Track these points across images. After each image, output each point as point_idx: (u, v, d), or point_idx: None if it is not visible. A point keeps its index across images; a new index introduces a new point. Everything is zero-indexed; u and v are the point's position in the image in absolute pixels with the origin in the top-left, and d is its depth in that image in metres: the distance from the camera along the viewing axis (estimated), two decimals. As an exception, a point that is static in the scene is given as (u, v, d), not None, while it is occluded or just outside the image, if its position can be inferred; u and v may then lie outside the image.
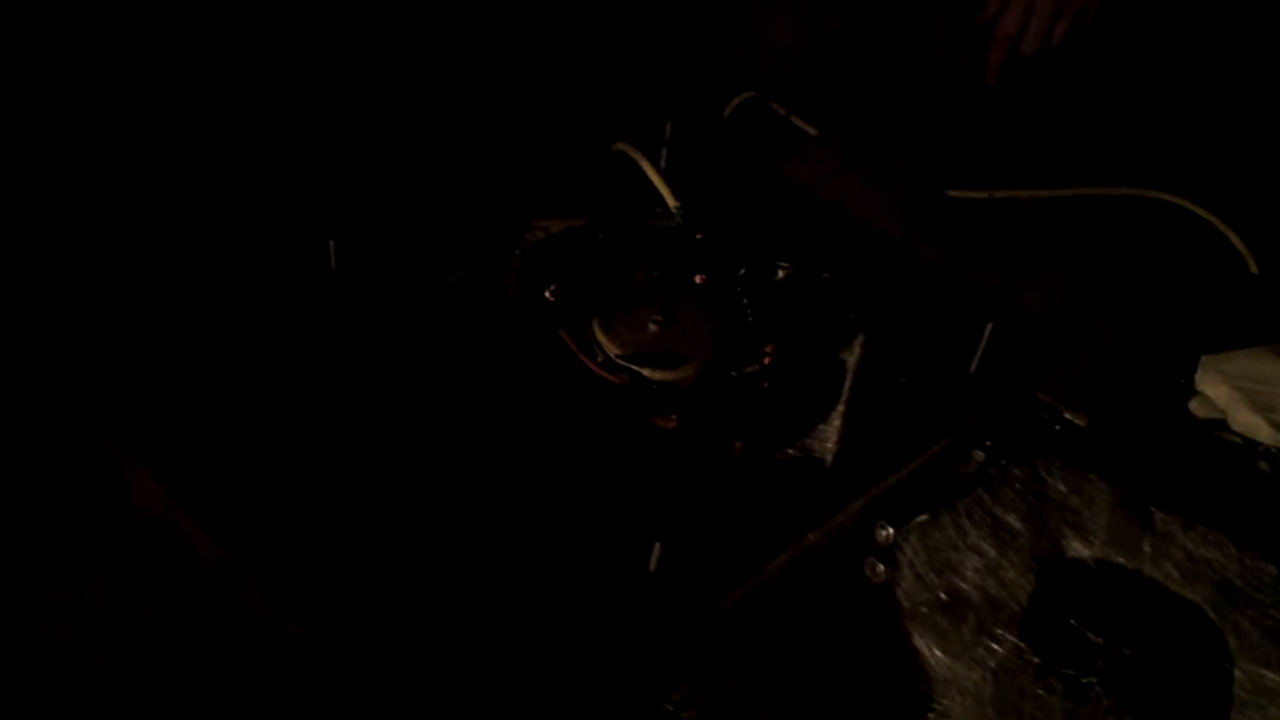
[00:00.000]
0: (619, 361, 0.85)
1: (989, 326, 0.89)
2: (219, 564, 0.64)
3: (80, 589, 0.64)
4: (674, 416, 0.81)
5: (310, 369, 0.82)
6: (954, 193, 1.15)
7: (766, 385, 0.86)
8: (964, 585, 0.79)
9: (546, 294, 0.90)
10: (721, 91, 1.23)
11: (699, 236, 0.97)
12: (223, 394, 0.78)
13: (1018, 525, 0.83)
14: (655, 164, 1.03)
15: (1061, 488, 0.86)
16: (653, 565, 0.70)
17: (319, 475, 0.75)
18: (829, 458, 0.83)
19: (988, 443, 0.88)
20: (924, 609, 0.77)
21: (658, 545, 0.70)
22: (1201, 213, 1.14)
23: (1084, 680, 0.73)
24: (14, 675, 0.59)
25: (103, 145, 0.87)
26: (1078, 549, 0.83)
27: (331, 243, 0.87)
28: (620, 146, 1.01)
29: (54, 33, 0.82)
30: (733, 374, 0.87)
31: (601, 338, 0.86)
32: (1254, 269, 1.11)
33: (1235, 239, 1.12)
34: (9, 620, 0.61)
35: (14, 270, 0.83)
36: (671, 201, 0.98)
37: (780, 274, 0.97)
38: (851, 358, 0.91)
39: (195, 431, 0.75)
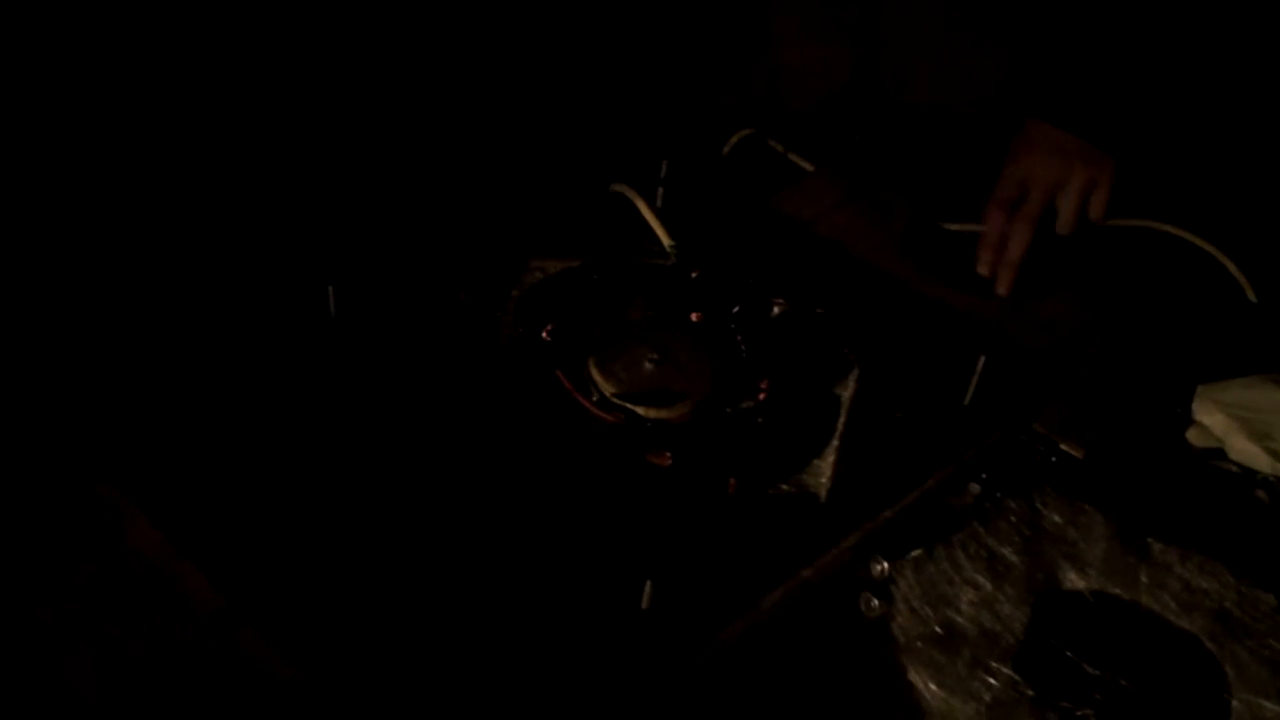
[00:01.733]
0: (614, 400, 0.86)
1: (981, 359, 0.90)
2: (215, 608, 0.65)
3: (78, 631, 0.65)
4: (668, 454, 0.82)
5: (308, 413, 0.83)
6: (951, 226, 1.16)
7: (761, 421, 0.87)
8: (959, 619, 0.79)
9: (543, 334, 0.91)
10: (717, 130, 1.25)
11: (695, 275, 0.98)
12: (221, 439, 0.80)
13: (1013, 558, 0.83)
14: (652, 203, 1.04)
15: (1057, 519, 0.87)
16: (645, 603, 0.71)
17: (316, 519, 0.76)
18: (823, 493, 0.83)
19: (983, 475, 0.88)
20: (919, 643, 0.77)
21: (649, 583, 0.70)
22: (1198, 242, 1.14)
23: (1079, 713, 0.73)
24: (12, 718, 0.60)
25: (107, 188, 0.88)
26: (1073, 580, 0.83)
27: (330, 287, 0.88)
28: (618, 187, 1.03)
29: (33, 73, 0.83)
30: (727, 411, 0.88)
31: (597, 377, 0.87)
32: (1252, 297, 1.11)
33: (1232, 267, 1.13)
34: (7, 663, 0.63)
35: (14, 318, 0.84)
36: (666, 241, 0.99)
37: (776, 310, 0.98)
38: (846, 393, 0.92)
39: (192, 476, 0.76)
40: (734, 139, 1.26)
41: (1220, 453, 0.95)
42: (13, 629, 0.64)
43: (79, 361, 0.84)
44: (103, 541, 0.69)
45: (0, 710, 0.60)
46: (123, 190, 0.90)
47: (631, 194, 1.02)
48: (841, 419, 0.89)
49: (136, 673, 0.63)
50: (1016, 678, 0.75)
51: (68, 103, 0.84)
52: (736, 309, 0.94)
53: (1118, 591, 0.82)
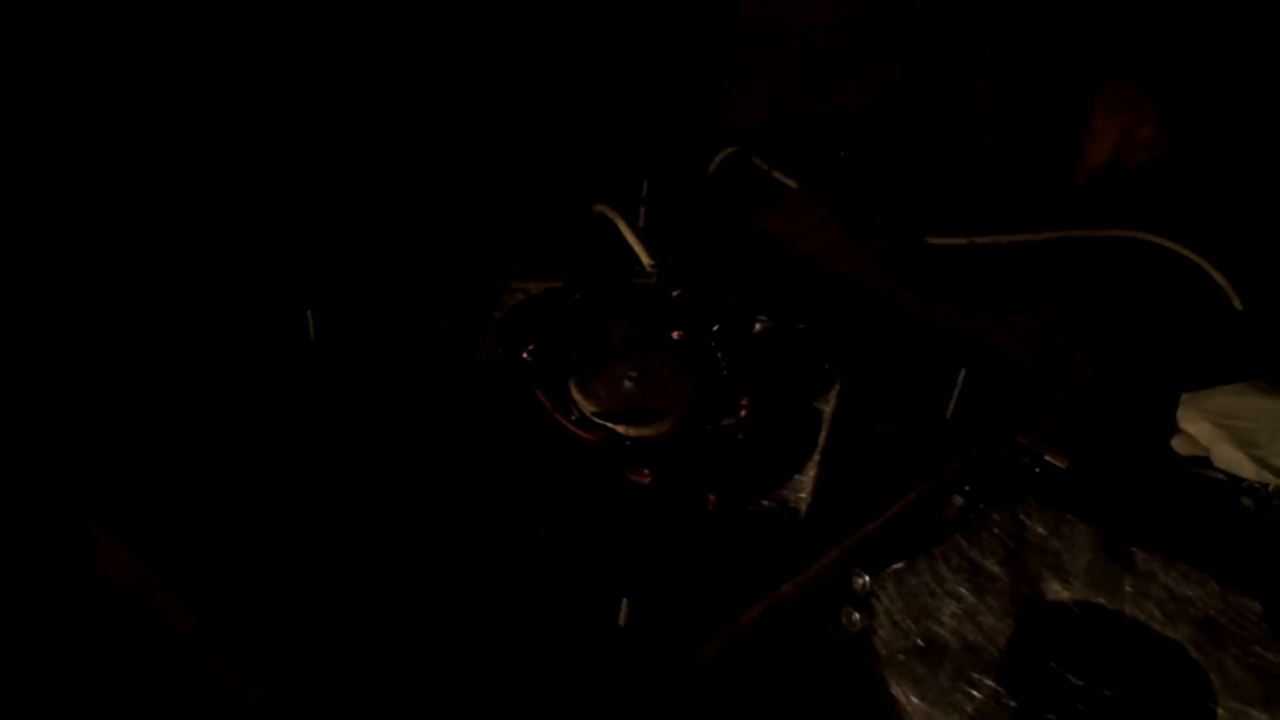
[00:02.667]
0: (594, 419, 0.86)
1: (962, 372, 0.90)
2: (189, 632, 0.66)
3: (53, 658, 0.65)
4: (647, 472, 0.82)
5: (287, 438, 0.83)
6: (934, 240, 1.16)
7: (741, 438, 0.87)
8: (941, 631, 0.79)
9: (524, 354, 0.91)
10: (698, 148, 1.25)
11: (676, 293, 0.99)
12: (197, 466, 0.80)
13: (996, 569, 0.83)
14: (634, 222, 1.05)
15: (1041, 530, 0.86)
16: (622, 620, 0.71)
17: (293, 542, 0.76)
18: (804, 508, 0.83)
19: (966, 488, 0.88)
20: (901, 656, 0.77)
21: (625, 601, 0.70)
22: (1183, 251, 1.14)
23: (1062, 724, 0.73)
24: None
25: (77, 212, 0.89)
26: (1057, 591, 0.83)
27: (310, 312, 0.89)
28: (599, 207, 1.03)
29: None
30: (708, 428, 0.88)
31: (577, 396, 0.88)
32: (1238, 305, 1.11)
33: (1218, 276, 1.13)
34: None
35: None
36: (646, 260, 1.00)
37: (757, 327, 0.98)
38: (828, 408, 0.92)
39: (167, 504, 0.76)
40: (719, 156, 1.26)
41: (1206, 461, 0.94)
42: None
43: (54, 391, 0.84)
44: (77, 569, 0.69)
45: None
46: (100, 216, 0.90)
47: (612, 214, 1.03)
48: (823, 434, 0.89)
49: (109, 699, 0.63)
50: (1000, 689, 0.75)
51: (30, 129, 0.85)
52: (717, 327, 0.94)
53: (1102, 601, 0.82)
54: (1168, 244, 1.15)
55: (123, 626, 0.67)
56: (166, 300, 0.93)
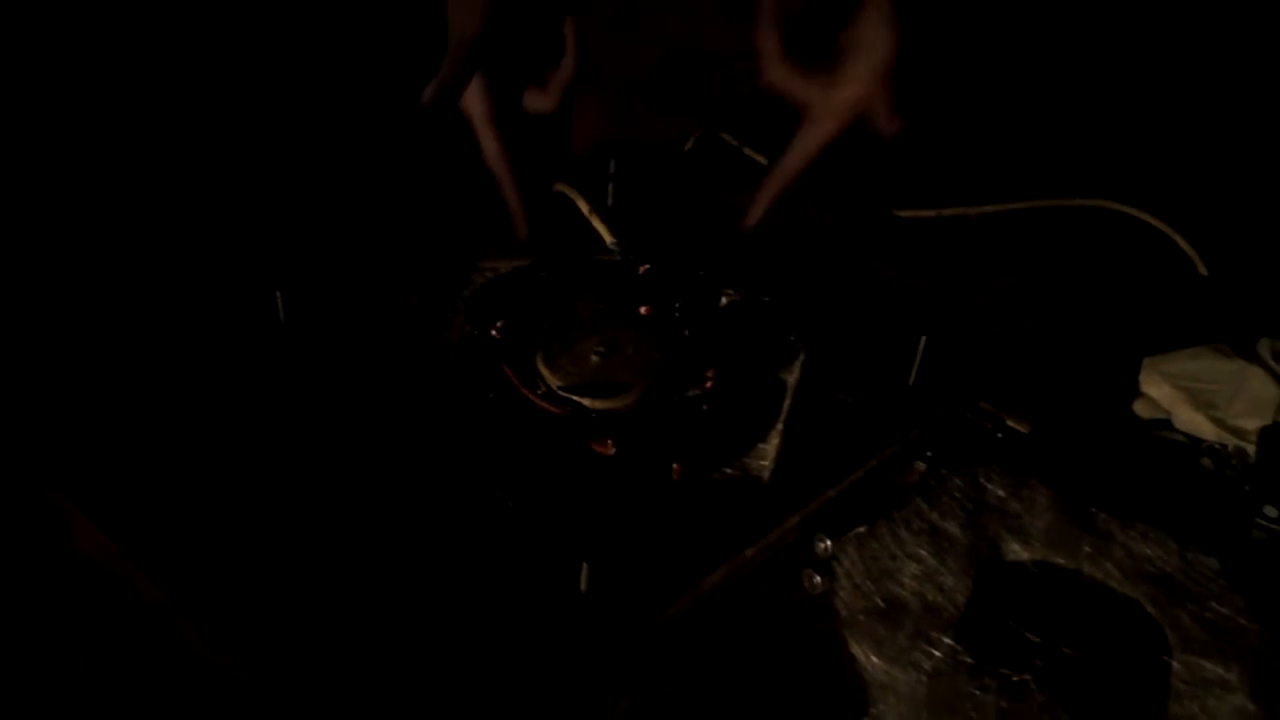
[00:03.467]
0: (560, 393, 0.88)
1: (923, 339, 0.91)
2: (158, 604, 0.67)
3: (26, 631, 0.67)
4: (611, 442, 0.83)
5: (257, 416, 0.85)
6: (903, 213, 1.17)
7: (706, 408, 0.88)
8: (901, 592, 0.80)
9: (493, 332, 0.93)
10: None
11: (643, 269, 1.00)
12: (168, 445, 0.82)
13: (956, 531, 0.85)
14: (602, 201, 1.06)
15: (1001, 493, 0.88)
16: (583, 586, 0.73)
17: (259, 517, 0.77)
18: (767, 475, 0.85)
19: (929, 453, 0.90)
20: (861, 617, 0.79)
21: (585, 566, 0.72)
22: (1148, 219, 1.16)
23: (1017, 678, 0.74)
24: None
25: (50, 193, 0.90)
26: (1016, 551, 0.84)
27: (279, 293, 0.90)
28: (560, 187, 1.05)
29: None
30: (673, 399, 0.89)
31: (544, 370, 0.89)
32: (1203, 271, 1.13)
33: (1182, 243, 1.14)
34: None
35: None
36: (608, 238, 1.01)
37: (724, 301, 0.99)
38: (792, 378, 0.93)
39: (137, 482, 0.78)
40: (694, 136, 1.27)
41: (1166, 423, 0.96)
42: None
43: (26, 373, 0.86)
44: (50, 544, 0.71)
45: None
46: (69, 197, 0.92)
47: (572, 193, 1.04)
48: (786, 403, 0.90)
49: (83, 666, 0.65)
50: (957, 647, 0.77)
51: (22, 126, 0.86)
52: (683, 301, 0.95)
53: (1060, 561, 0.84)
54: (1134, 213, 1.16)
55: (95, 599, 0.68)
56: (137, 282, 0.94)
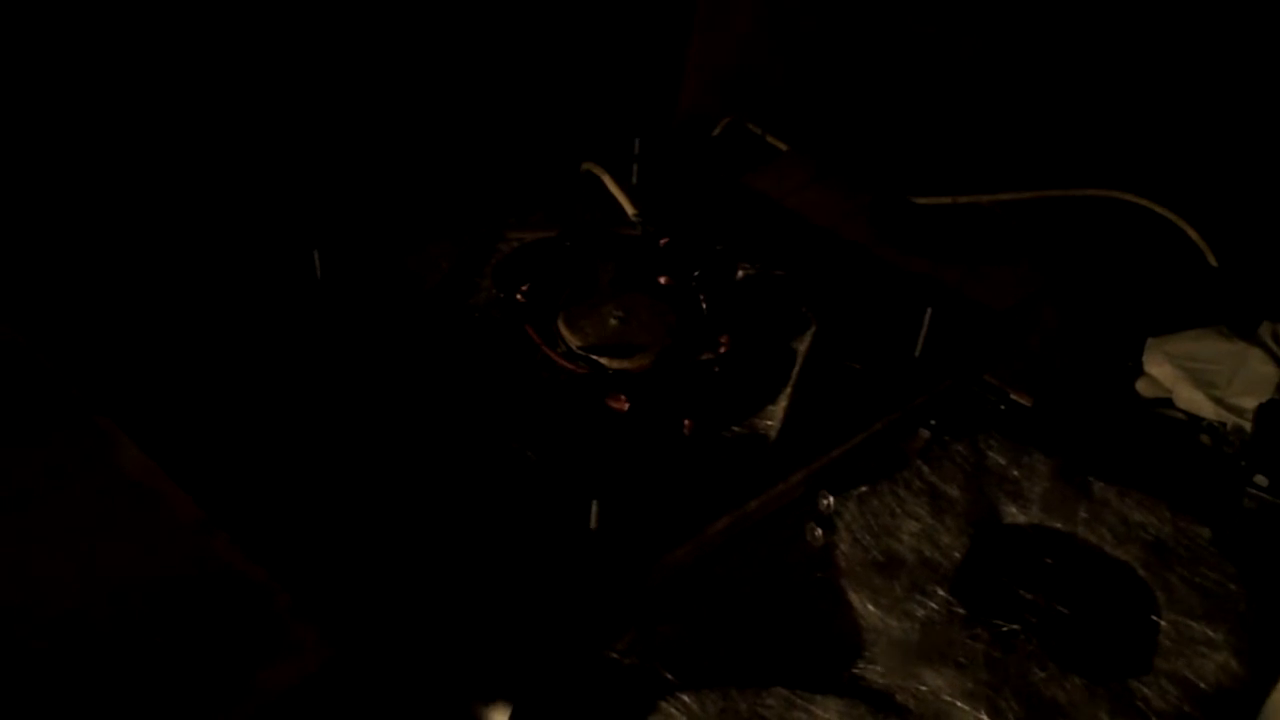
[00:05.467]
0: (579, 352, 0.92)
1: (929, 311, 0.95)
2: (193, 519, 0.72)
3: (75, 541, 0.71)
4: (624, 398, 0.87)
5: (291, 358, 0.90)
6: (919, 199, 1.21)
7: (718, 370, 0.92)
8: (900, 547, 0.84)
9: (518, 295, 0.97)
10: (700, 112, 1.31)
11: (663, 242, 1.04)
12: (210, 383, 0.86)
13: (955, 494, 0.88)
14: (628, 179, 1.11)
15: (1001, 460, 0.91)
16: (593, 523, 0.77)
17: (295, 450, 0.82)
18: (774, 434, 0.88)
19: (932, 421, 0.93)
20: (859, 568, 0.82)
21: (595, 504, 0.76)
22: (1160, 209, 1.18)
23: (1006, 629, 0.78)
24: (8, 618, 0.67)
25: (102, 149, 0.95)
26: (1014, 514, 0.87)
27: (316, 251, 0.95)
28: (587, 165, 1.09)
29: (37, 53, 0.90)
30: (687, 361, 0.93)
31: (565, 331, 0.93)
32: (1213, 262, 1.15)
33: (1193, 233, 1.17)
34: (8, 569, 0.69)
35: (28, 277, 0.92)
36: (631, 211, 1.05)
37: (740, 274, 1.03)
38: (802, 346, 0.97)
39: (182, 413, 0.83)
40: (722, 122, 1.32)
41: (1168, 402, 0.99)
42: (20, 536, 0.70)
43: (84, 316, 0.91)
44: (98, 464, 0.76)
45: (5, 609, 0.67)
46: (118, 155, 0.96)
47: (599, 171, 1.08)
48: (796, 369, 0.94)
49: (124, 576, 0.69)
50: (951, 600, 0.80)
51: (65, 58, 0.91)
52: (700, 272, 0.99)
53: (1056, 525, 0.87)
54: (1146, 203, 1.19)
55: (136, 512, 0.73)
56: (188, 237, 0.99)
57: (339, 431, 0.84)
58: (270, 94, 1.01)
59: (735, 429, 0.88)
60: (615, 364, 0.91)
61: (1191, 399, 0.97)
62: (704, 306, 0.97)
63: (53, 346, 0.86)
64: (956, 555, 0.83)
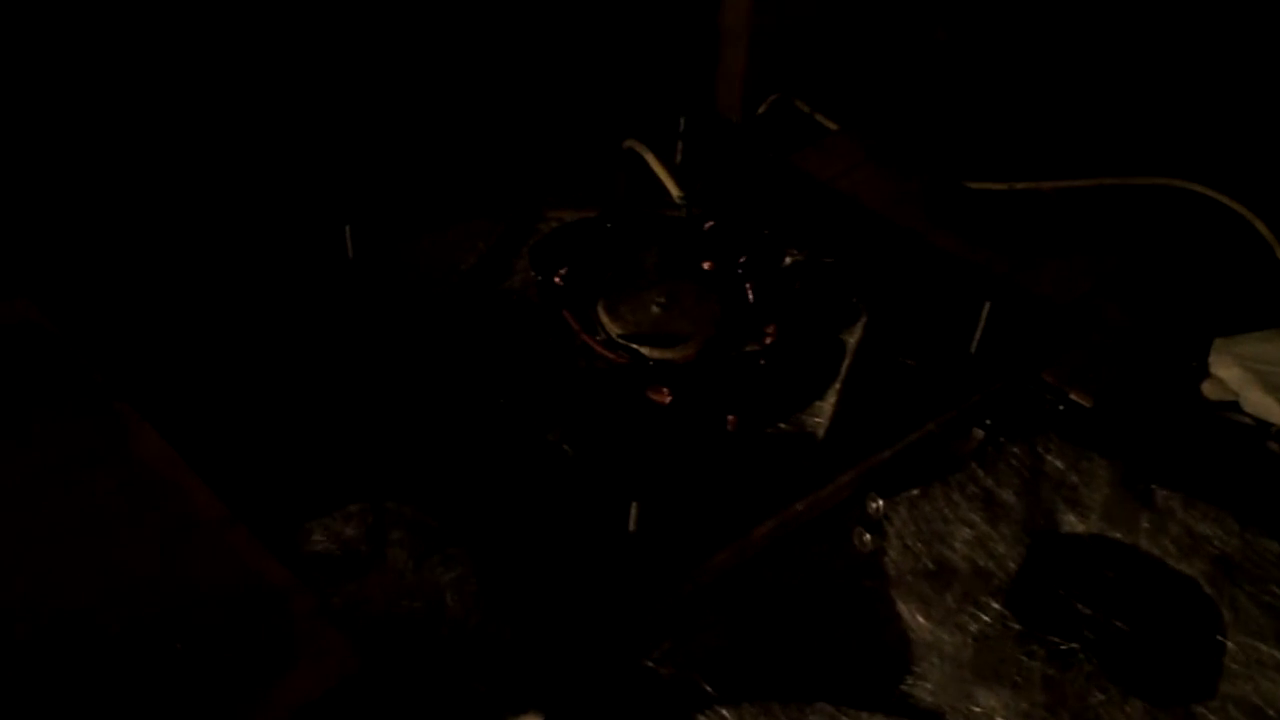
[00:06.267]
0: (619, 340, 0.88)
1: (986, 306, 0.91)
2: (213, 514, 0.69)
3: (90, 532, 0.69)
4: (666, 390, 0.83)
5: (319, 343, 0.87)
6: (974, 184, 1.16)
7: (764, 363, 0.88)
8: (952, 555, 0.80)
9: (556, 278, 0.94)
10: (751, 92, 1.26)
11: (709, 225, 1.00)
12: (236, 369, 0.84)
13: (1011, 499, 0.84)
14: (671, 158, 1.07)
15: (1059, 464, 0.87)
16: (631, 525, 0.73)
17: (322, 440, 0.79)
18: (822, 433, 0.85)
19: (988, 421, 0.89)
20: (909, 577, 0.78)
21: (635, 505, 0.72)
22: (1227, 201, 1.13)
23: (1064, 647, 0.74)
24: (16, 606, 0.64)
25: (127, 131, 0.92)
26: (1072, 523, 0.83)
27: (348, 228, 0.92)
28: (630, 143, 1.05)
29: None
30: (732, 353, 0.89)
31: (604, 318, 0.90)
32: (1280, 256, 1.10)
33: (1261, 226, 1.11)
34: (25, 561, 0.67)
35: (51, 261, 0.89)
36: (675, 192, 1.01)
37: (788, 260, 0.99)
38: (853, 339, 0.93)
39: (206, 400, 0.80)
40: (769, 99, 1.27)
41: (1235, 405, 0.94)
42: (33, 528, 0.68)
43: (106, 293, 0.88)
44: (116, 452, 0.73)
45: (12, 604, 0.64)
46: (144, 139, 0.94)
47: (642, 149, 1.04)
48: (846, 363, 0.90)
49: (139, 573, 0.66)
50: (1006, 613, 0.76)
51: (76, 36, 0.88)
52: (746, 258, 0.95)
53: (1117, 535, 0.83)
54: (1212, 194, 1.14)
55: (154, 504, 0.70)
56: (217, 219, 0.96)
57: (366, 421, 0.81)
58: (302, 65, 0.97)
59: (781, 426, 0.85)
60: (657, 354, 0.87)
61: (1261, 403, 0.92)
62: (750, 294, 0.93)
63: (76, 330, 0.83)
64: (1012, 565, 0.79)
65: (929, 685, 0.72)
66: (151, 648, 0.62)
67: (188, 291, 0.90)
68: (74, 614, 0.63)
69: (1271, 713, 0.72)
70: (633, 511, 0.73)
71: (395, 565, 0.73)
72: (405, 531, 0.75)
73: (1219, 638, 0.76)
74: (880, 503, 0.81)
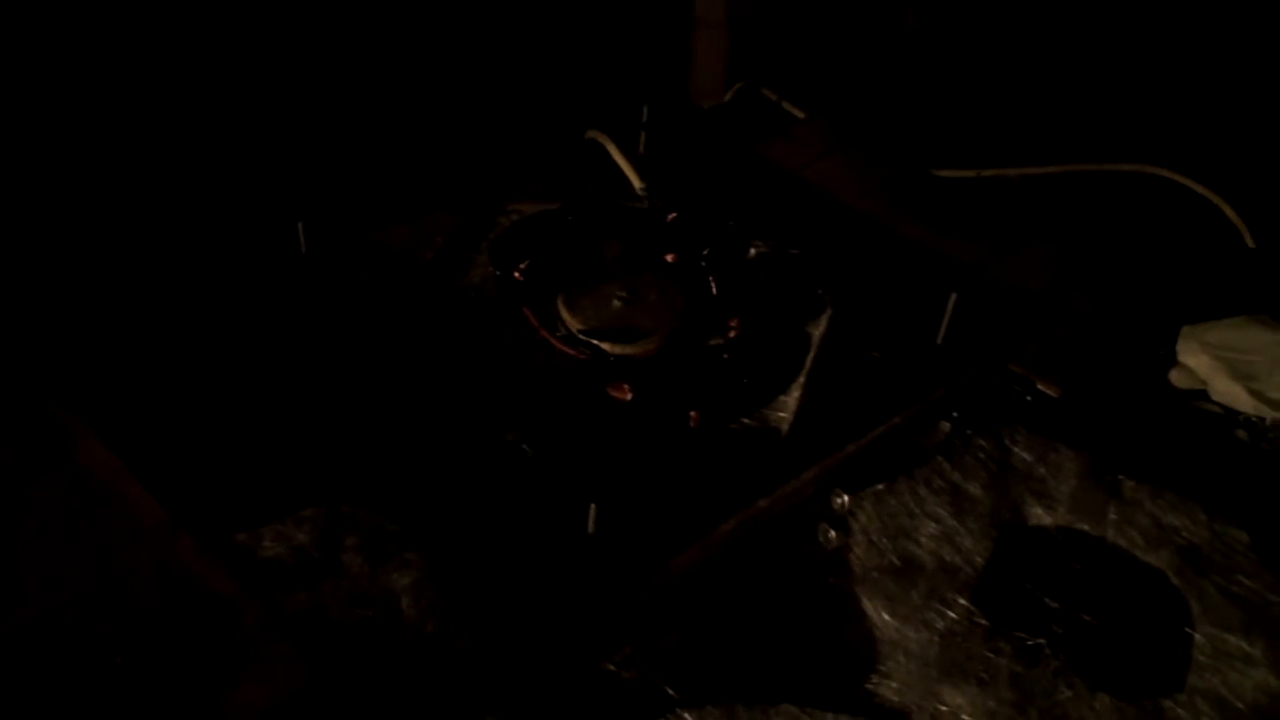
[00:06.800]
0: (579, 336, 0.86)
1: (953, 297, 0.89)
2: (157, 523, 0.67)
3: (32, 541, 0.67)
4: (627, 387, 0.82)
5: (271, 342, 0.85)
6: (941, 172, 1.15)
7: (726, 357, 0.87)
8: (918, 551, 0.79)
9: (516, 273, 0.92)
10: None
11: (671, 217, 0.98)
12: (182, 371, 0.81)
13: (978, 493, 0.83)
14: (634, 149, 1.05)
15: (1026, 456, 0.86)
16: (590, 527, 0.72)
17: (273, 443, 0.77)
18: (786, 428, 0.83)
19: (954, 413, 0.88)
20: (875, 574, 0.77)
21: (593, 507, 0.71)
22: (1196, 187, 1.12)
23: (1031, 642, 0.73)
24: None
25: (65, 126, 0.90)
26: (1039, 516, 0.82)
27: (300, 224, 0.90)
28: (591, 133, 1.03)
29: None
30: (695, 347, 0.88)
31: (565, 313, 0.88)
32: (1250, 242, 1.09)
33: (1230, 212, 1.11)
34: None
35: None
36: (638, 183, 1.00)
37: (752, 251, 0.98)
38: (818, 331, 0.91)
39: (149, 404, 0.78)
40: (733, 88, 1.25)
41: (1203, 394, 0.93)
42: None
43: (40, 292, 0.86)
44: (56, 460, 0.71)
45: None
46: (89, 134, 0.91)
47: (604, 139, 1.02)
48: (810, 356, 0.88)
49: (79, 586, 0.65)
50: (973, 609, 0.75)
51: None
52: (709, 250, 0.94)
53: (1085, 527, 0.82)
54: (1181, 180, 1.13)
55: (97, 514, 0.68)
56: (162, 215, 0.94)
57: (320, 422, 0.79)
58: (254, 56, 0.95)
59: (745, 421, 0.83)
60: (618, 349, 0.86)
61: (1228, 391, 0.92)
62: (713, 287, 0.91)
63: (13, 334, 0.81)
64: (978, 560, 0.79)
65: (894, 684, 0.71)
66: (91, 662, 0.60)
67: (132, 292, 0.87)
68: (11, 629, 0.61)
69: (1239, 705, 0.71)
70: (591, 512, 0.71)
71: (350, 571, 0.71)
72: (360, 536, 0.73)
73: (1187, 629, 0.75)
74: (845, 498, 0.80)
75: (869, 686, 0.70)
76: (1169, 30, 1.18)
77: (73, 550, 0.66)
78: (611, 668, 0.69)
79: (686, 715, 0.67)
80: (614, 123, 1.07)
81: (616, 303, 0.88)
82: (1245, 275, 1.05)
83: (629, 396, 0.82)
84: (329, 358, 0.84)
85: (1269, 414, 0.90)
